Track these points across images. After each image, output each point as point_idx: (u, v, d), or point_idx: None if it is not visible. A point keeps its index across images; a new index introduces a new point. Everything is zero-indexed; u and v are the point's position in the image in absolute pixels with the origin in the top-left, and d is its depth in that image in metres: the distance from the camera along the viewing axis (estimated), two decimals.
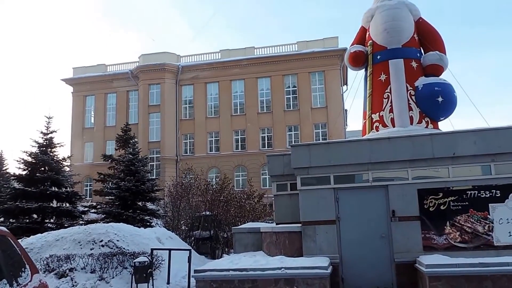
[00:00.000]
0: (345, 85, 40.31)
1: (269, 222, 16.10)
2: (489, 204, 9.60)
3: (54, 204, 18.53)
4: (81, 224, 16.76)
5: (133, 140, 23.92)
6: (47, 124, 19.28)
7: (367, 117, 12.84)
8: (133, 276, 10.10)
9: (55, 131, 19.38)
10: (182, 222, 19.03)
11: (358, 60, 13.24)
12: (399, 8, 12.82)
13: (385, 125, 12.33)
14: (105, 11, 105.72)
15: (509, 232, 9.42)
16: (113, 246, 11.55)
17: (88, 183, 39.73)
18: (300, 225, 10.52)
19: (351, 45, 13.79)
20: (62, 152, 54.59)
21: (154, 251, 11.07)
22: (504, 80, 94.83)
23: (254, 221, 17.30)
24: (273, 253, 10.85)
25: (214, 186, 20.92)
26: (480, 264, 8.48)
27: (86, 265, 10.73)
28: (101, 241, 11.70)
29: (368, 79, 13.01)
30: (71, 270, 10.66)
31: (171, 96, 41.84)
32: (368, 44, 13.09)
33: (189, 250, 11.39)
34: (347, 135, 36.73)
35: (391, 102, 12.36)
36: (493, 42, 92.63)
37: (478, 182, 9.76)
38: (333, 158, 10.47)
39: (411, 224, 9.88)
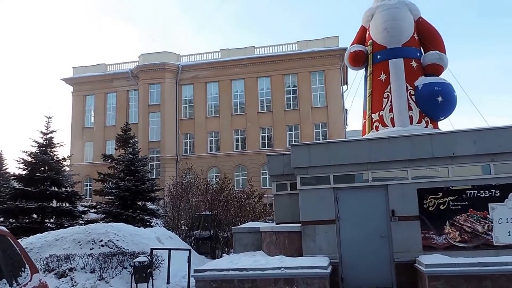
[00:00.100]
0: (345, 85, 40.29)
1: (269, 222, 16.10)
2: (489, 204, 9.61)
3: (54, 204, 18.53)
4: (81, 224, 16.76)
5: (133, 140, 23.93)
6: (47, 124, 19.29)
7: (367, 117, 12.85)
8: (133, 276, 10.10)
9: (55, 131, 19.41)
10: (182, 222, 19.02)
11: (358, 60, 13.24)
12: (399, 8, 12.83)
13: (385, 125, 12.33)
14: (105, 10, 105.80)
15: (509, 232, 9.43)
16: (113, 246, 11.54)
17: (88, 183, 39.74)
18: (299, 225, 10.53)
19: (351, 45, 13.80)
20: (62, 152, 54.56)
21: (154, 251, 11.07)
22: None
23: (254, 221, 17.30)
24: (273, 253, 10.86)
25: (214, 186, 20.91)
26: (480, 263, 8.49)
27: (86, 265, 10.73)
28: (101, 241, 11.69)
29: (368, 79, 13.02)
30: (70, 270, 10.67)
31: (171, 96, 41.83)
32: (368, 44, 13.10)
33: (189, 250, 11.40)
34: (347, 134, 36.71)
35: (391, 102, 12.37)
36: None
37: (478, 181, 9.77)
38: (333, 157, 10.47)
39: (411, 223, 9.89)
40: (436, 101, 11.94)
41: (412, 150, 10.07)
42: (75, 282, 10.39)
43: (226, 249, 16.43)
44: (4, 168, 34.88)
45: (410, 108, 12.19)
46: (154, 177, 30.79)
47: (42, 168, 18.54)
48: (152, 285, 10.25)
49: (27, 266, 5.23)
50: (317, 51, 39.26)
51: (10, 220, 17.62)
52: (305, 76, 39.63)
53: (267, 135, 39.92)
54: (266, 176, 34.34)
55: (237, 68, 40.99)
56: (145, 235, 12.88)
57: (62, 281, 10.44)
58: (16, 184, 18.89)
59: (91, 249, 11.33)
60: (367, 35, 13.37)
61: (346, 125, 39.24)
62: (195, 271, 9.64)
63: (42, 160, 18.36)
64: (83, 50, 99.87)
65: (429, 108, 12.11)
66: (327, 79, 39.26)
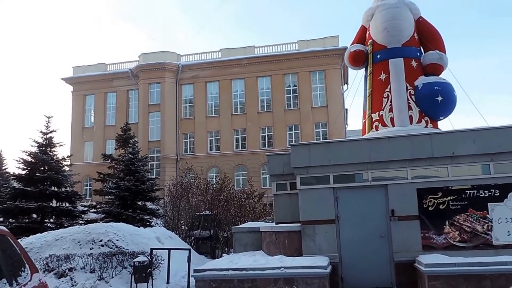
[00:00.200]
0: (345, 84, 40.23)
1: (269, 222, 16.10)
2: (488, 204, 9.61)
3: (54, 203, 18.54)
4: (81, 224, 16.75)
5: (133, 140, 23.95)
6: (47, 123, 19.30)
7: (367, 117, 12.85)
8: (133, 276, 10.11)
9: (55, 131, 19.41)
10: (182, 222, 19.02)
11: (358, 60, 13.25)
12: (399, 7, 12.83)
13: (384, 125, 12.34)
14: (105, 10, 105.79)
15: (508, 232, 9.43)
16: (113, 245, 11.55)
17: (88, 183, 39.75)
18: (299, 224, 10.53)
19: (351, 44, 13.82)
20: (62, 151, 54.64)
21: (153, 250, 11.07)
22: None
23: (254, 221, 17.29)
24: (272, 252, 10.86)
25: (214, 186, 20.91)
26: (479, 263, 8.50)
27: (86, 265, 10.74)
28: (101, 240, 11.70)
29: (368, 79, 13.02)
30: (70, 269, 10.68)
31: (171, 95, 41.81)
32: (368, 43, 13.10)
33: (189, 249, 11.40)
34: (348, 134, 36.71)
35: (390, 102, 12.37)
36: None
37: (477, 181, 9.77)
38: (332, 157, 10.47)
39: (411, 223, 9.89)
40: (436, 101, 11.94)
41: (411, 150, 10.07)
42: (75, 282, 10.40)
43: (226, 249, 16.44)
44: (4, 168, 34.93)
45: (410, 108, 12.19)
46: (154, 177, 30.79)
47: (42, 168, 18.55)
48: (152, 285, 10.26)
49: (27, 266, 5.24)
50: (317, 50, 39.25)
51: (10, 220, 17.62)
52: (305, 75, 39.61)
53: (267, 135, 39.92)
54: (266, 175, 34.31)
55: (237, 68, 40.98)
56: (145, 235, 12.88)
57: (62, 281, 10.45)
58: (16, 184, 18.88)
59: (91, 249, 11.34)
60: (367, 34, 13.37)
61: (347, 124, 39.26)
62: (195, 270, 9.64)
63: (42, 160, 18.37)
64: (83, 49, 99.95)
65: (429, 108, 12.11)
66: (327, 79, 39.24)
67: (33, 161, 18.44)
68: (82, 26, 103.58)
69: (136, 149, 20.30)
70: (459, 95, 12.58)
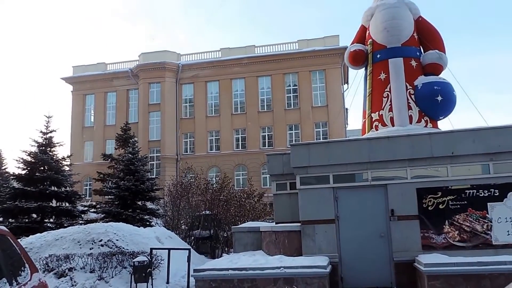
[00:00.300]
0: (346, 84, 40.23)
1: (269, 222, 16.10)
2: (488, 203, 9.62)
3: (54, 203, 18.53)
4: (81, 224, 16.75)
5: (132, 139, 23.94)
6: (47, 123, 19.28)
7: (366, 116, 12.85)
8: (133, 276, 10.11)
9: (55, 130, 19.40)
10: (182, 222, 19.04)
11: (358, 59, 13.25)
12: (398, 7, 12.83)
13: (384, 124, 12.34)
14: (105, 9, 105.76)
15: (508, 231, 9.43)
16: (113, 245, 11.56)
17: (88, 183, 39.75)
18: (299, 224, 10.54)
19: (351, 44, 13.83)
20: (61, 151, 54.72)
21: (153, 250, 11.07)
22: None
23: (254, 221, 17.30)
24: (272, 252, 10.87)
25: (214, 185, 20.93)
26: (478, 263, 8.51)
27: (86, 265, 10.74)
28: (101, 240, 11.70)
29: (368, 78, 13.03)
30: (70, 269, 10.68)
31: (171, 95, 41.81)
32: (368, 43, 13.10)
33: (189, 249, 11.39)
34: (348, 134, 36.72)
35: (390, 101, 12.37)
36: None
37: (477, 181, 9.78)
38: (332, 157, 10.48)
39: (410, 223, 9.90)
40: (435, 101, 11.94)
41: (411, 150, 10.07)
42: (74, 281, 10.40)
43: (226, 249, 16.44)
44: (3, 167, 34.94)
45: (409, 108, 12.20)
46: (154, 176, 30.80)
47: (42, 168, 18.54)
48: (152, 284, 10.26)
49: (26, 265, 5.26)
50: (317, 50, 39.24)
51: (10, 219, 17.61)
52: (305, 75, 39.61)
53: (268, 135, 39.91)
54: (266, 175, 34.32)
55: (237, 67, 40.98)
56: (144, 234, 12.88)
57: (62, 281, 10.45)
58: (15, 184, 18.86)
59: (90, 249, 11.34)
60: (367, 34, 13.37)
61: (347, 124, 39.26)
62: (195, 270, 9.65)
63: (42, 160, 18.36)
64: (83, 49, 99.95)
65: (429, 108, 12.11)
66: (328, 78, 39.23)
67: (33, 161, 18.43)
68: (82, 26, 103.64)
69: (136, 148, 20.30)
70: (459, 95, 12.57)
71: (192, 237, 16.72)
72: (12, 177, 19.59)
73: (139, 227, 14.50)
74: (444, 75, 12.83)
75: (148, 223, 18.12)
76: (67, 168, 20.26)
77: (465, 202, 9.72)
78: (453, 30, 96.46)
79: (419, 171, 10.11)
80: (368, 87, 12.91)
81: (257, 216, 19.28)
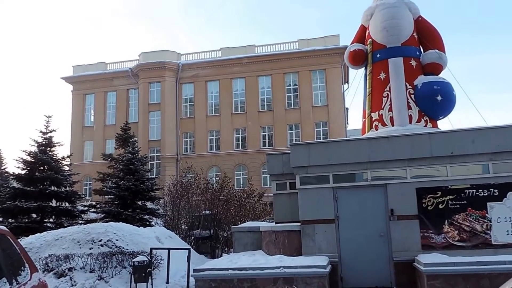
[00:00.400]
0: (346, 83, 40.19)
1: (269, 221, 16.10)
2: (487, 203, 9.62)
3: (54, 203, 18.52)
4: (81, 224, 16.75)
5: (132, 139, 23.92)
6: (47, 123, 19.27)
7: (366, 116, 12.86)
8: (132, 276, 10.12)
9: (55, 130, 19.38)
10: (182, 221, 19.03)
11: (358, 59, 13.25)
12: (398, 7, 12.83)
13: (384, 124, 12.34)
14: (105, 9, 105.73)
15: (507, 231, 9.44)
16: (112, 245, 11.56)
17: (88, 182, 39.74)
18: (299, 224, 10.54)
19: (351, 44, 13.84)
20: (61, 151, 54.76)
21: (153, 250, 11.08)
22: None
23: (254, 220, 17.30)
24: (272, 252, 10.87)
25: (214, 185, 20.92)
26: (478, 262, 8.51)
27: (85, 265, 10.74)
28: (100, 240, 11.71)
29: (367, 78, 13.03)
30: (70, 269, 10.69)
31: (171, 95, 41.78)
32: (368, 43, 13.10)
33: (188, 249, 11.40)
34: (348, 133, 36.68)
35: (390, 101, 12.37)
36: None
37: (477, 181, 9.78)
38: (332, 157, 10.48)
39: (410, 223, 9.90)
40: (435, 100, 11.95)
41: (411, 150, 10.07)
42: (74, 281, 10.41)
43: (226, 249, 16.43)
44: (3, 167, 34.96)
45: (409, 107, 12.20)
46: (154, 176, 30.79)
47: (42, 168, 18.53)
48: (152, 284, 10.27)
49: (26, 265, 5.27)
50: (318, 49, 39.20)
51: (10, 219, 17.60)
52: (305, 74, 39.58)
53: (268, 134, 39.90)
54: (267, 175, 34.29)
55: (237, 67, 40.96)
56: (144, 234, 12.89)
57: (62, 281, 10.46)
58: (15, 184, 18.86)
59: (90, 249, 11.35)
60: (366, 34, 13.37)
61: (347, 124, 39.23)
62: (195, 270, 9.65)
63: (42, 160, 18.35)
64: (83, 49, 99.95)
65: (429, 107, 12.12)
66: (328, 78, 39.21)
67: (32, 160, 18.42)
68: (82, 26, 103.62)
69: (136, 148, 20.29)
70: (459, 94, 12.57)
71: (192, 237, 16.72)
72: (12, 177, 19.56)
73: (139, 227, 14.50)
74: (444, 75, 12.86)
75: (148, 223, 18.12)
76: (67, 168, 20.24)
77: (465, 201, 9.72)
78: (453, 30, 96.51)
79: (419, 170, 10.11)
80: (368, 86, 12.91)
81: (257, 216, 19.28)
